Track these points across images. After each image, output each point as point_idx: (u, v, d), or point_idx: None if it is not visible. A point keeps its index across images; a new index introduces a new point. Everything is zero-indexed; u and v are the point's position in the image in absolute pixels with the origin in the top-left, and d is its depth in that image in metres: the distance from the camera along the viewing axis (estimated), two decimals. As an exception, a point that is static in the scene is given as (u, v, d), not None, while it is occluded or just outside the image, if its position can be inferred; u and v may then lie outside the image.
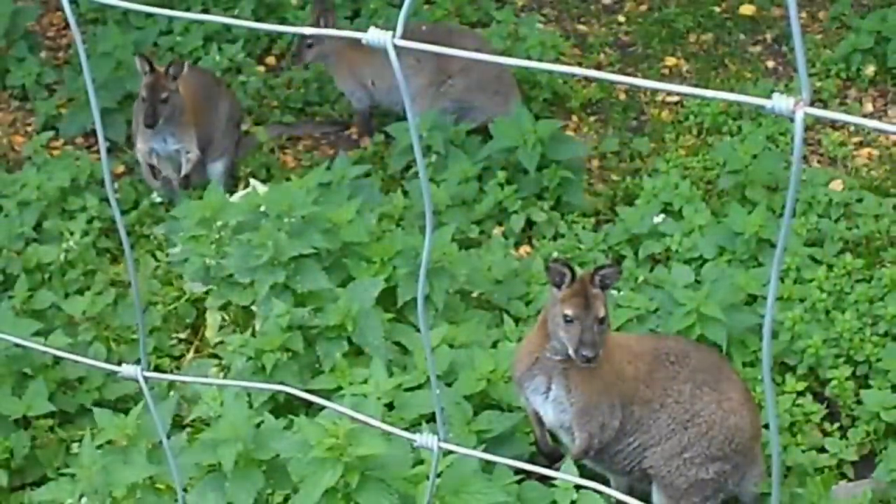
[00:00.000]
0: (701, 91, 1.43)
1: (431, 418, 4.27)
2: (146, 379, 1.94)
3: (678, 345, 4.27)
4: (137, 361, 2.04)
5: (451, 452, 4.00)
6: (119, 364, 4.18)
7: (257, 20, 6.71)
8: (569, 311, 3.90)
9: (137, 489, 4.04)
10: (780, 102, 1.40)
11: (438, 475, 3.88)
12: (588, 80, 6.65)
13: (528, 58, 6.28)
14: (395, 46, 1.51)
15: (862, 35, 6.51)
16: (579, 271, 4.03)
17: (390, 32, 1.51)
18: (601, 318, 3.89)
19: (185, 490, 4.14)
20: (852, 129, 6.24)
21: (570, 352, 3.90)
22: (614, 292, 4.99)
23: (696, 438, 4.11)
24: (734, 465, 4.16)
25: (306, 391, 4.39)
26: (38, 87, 6.46)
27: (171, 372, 4.78)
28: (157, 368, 4.76)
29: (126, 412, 4.17)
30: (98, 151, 6.10)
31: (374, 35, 1.50)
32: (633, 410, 4.11)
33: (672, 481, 4.14)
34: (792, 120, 1.37)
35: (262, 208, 4.81)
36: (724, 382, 4.17)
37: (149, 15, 6.73)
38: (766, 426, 4.43)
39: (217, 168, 5.80)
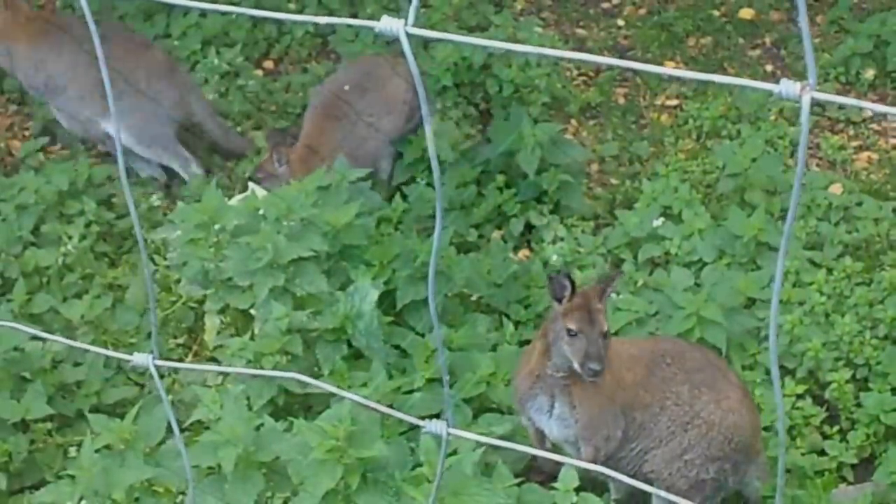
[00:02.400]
0: (710, 76, 1.43)
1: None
2: (157, 368, 1.94)
3: (674, 346, 4.27)
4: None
5: (453, 454, 4.02)
6: (117, 367, 4.16)
7: (255, 24, 6.72)
8: (573, 325, 3.89)
9: (136, 491, 4.05)
10: (788, 87, 1.42)
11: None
12: (587, 84, 6.65)
13: (527, 63, 6.28)
14: (408, 34, 1.51)
15: (861, 39, 6.52)
16: (580, 278, 4.03)
17: (402, 20, 1.51)
18: (605, 331, 3.90)
19: (183, 493, 4.14)
20: (851, 132, 6.24)
21: (576, 366, 3.90)
22: (613, 295, 4.99)
23: (697, 440, 4.11)
24: (734, 463, 4.17)
25: (307, 394, 4.43)
26: (36, 91, 6.45)
27: (170, 376, 4.78)
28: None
29: (125, 417, 4.18)
30: (96, 156, 6.11)
31: (386, 23, 1.51)
32: (635, 416, 4.12)
33: (673, 483, 4.14)
34: (798, 104, 1.38)
35: (261, 212, 4.82)
36: (722, 381, 4.17)
37: (146, 19, 6.73)
38: (766, 429, 4.43)
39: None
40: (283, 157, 5.50)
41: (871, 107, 1.45)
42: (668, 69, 1.46)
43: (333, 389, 1.99)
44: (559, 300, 3.93)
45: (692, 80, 6.66)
